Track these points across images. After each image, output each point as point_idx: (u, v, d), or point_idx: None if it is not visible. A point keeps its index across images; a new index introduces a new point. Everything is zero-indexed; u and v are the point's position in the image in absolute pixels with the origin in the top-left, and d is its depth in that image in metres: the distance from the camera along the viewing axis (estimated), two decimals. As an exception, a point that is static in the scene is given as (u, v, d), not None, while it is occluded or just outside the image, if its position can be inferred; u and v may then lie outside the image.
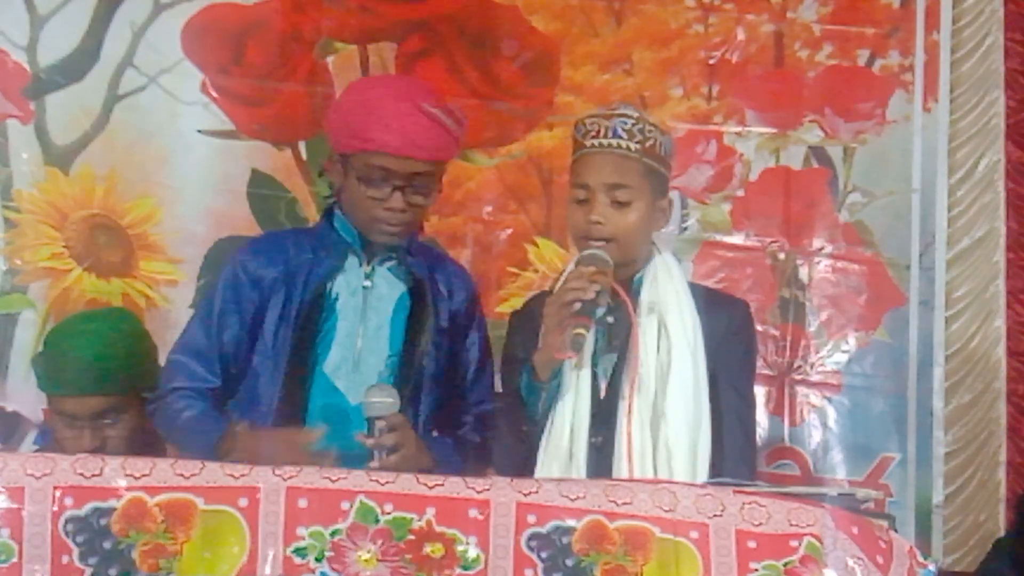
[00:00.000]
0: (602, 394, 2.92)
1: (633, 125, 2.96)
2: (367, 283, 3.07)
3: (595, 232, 2.92)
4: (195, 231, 4.23)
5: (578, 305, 2.80)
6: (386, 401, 2.85)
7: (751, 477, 2.89)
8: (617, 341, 2.94)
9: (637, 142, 2.94)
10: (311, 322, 3.03)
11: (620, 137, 2.95)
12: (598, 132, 2.97)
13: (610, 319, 2.95)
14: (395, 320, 3.08)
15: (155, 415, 3.12)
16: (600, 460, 2.85)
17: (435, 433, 3.10)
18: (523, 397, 2.90)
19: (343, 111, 3.08)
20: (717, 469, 2.83)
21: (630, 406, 2.83)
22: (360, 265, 3.08)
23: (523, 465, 2.88)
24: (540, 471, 2.85)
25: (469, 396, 3.17)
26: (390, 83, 3.23)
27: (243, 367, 3.07)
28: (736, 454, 2.92)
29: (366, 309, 3.06)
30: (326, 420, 2.97)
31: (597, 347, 2.94)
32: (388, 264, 3.10)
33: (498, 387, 3.17)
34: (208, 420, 3.00)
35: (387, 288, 3.09)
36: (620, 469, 2.81)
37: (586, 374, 2.91)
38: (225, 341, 3.07)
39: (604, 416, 2.89)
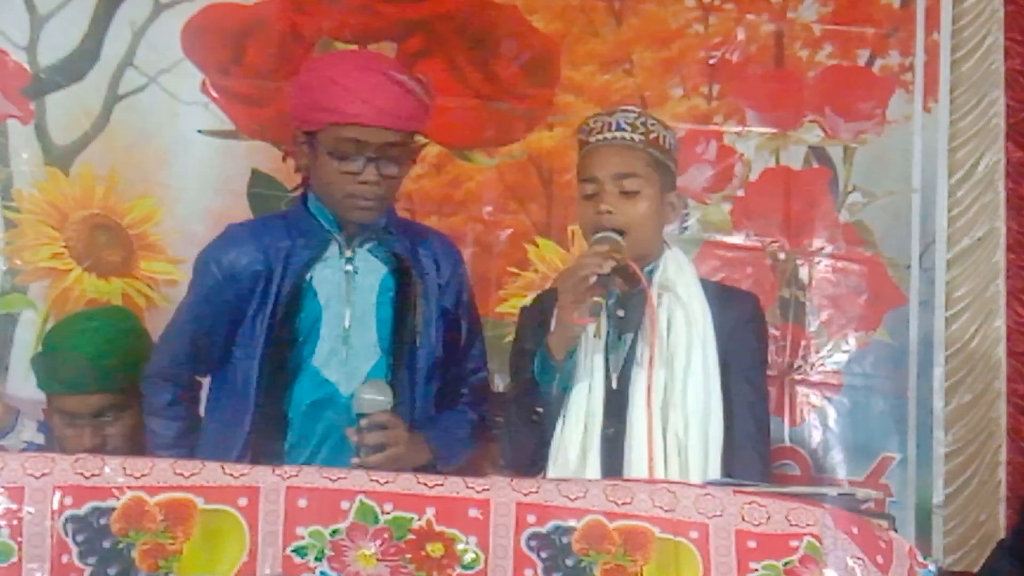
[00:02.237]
0: (614, 385, 2.93)
1: (636, 118, 3.01)
2: (348, 267, 3.03)
3: (606, 222, 2.94)
4: (195, 231, 4.22)
5: (594, 278, 2.82)
6: (375, 399, 2.83)
7: (764, 467, 2.94)
8: (628, 333, 2.96)
9: (641, 134, 2.99)
10: (291, 314, 2.98)
11: (624, 130, 2.99)
12: (602, 128, 3.01)
13: (620, 312, 2.97)
14: (381, 303, 3.04)
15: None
16: (612, 451, 2.86)
17: (434, 412, 3.07)
18: (536, 379, 2.91)
19: (307, 87, 3.02)
20: (730, 459, 2.86)
21: (647, 394, 2.84)
22: (340, 251, 3.03)
23: (536, 453, 2.89)
24: (553, 464, 2.86)
25: (465, 365, 3.15)
26: (353, 56, 3.21)
27: (224, 357, 3.03)
28: (749, 445, 2.94)
29: (351, 295, 3.01)
30: (319, 414, 2.96)
31: (608, 339, 2.95)
32: (368, 245, 3.05)
33: (508, 381, 3.16)
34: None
35: (369, 271, 3.04)
36: (633, 458, 2.81)
37: (600, 366, 2.92)
38: (200, 341, 3.05)
39: (616, 407, 2.90)
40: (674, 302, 2.94)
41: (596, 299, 2.80)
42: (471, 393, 3.15)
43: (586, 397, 2.90)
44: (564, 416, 2.90)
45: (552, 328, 2.90)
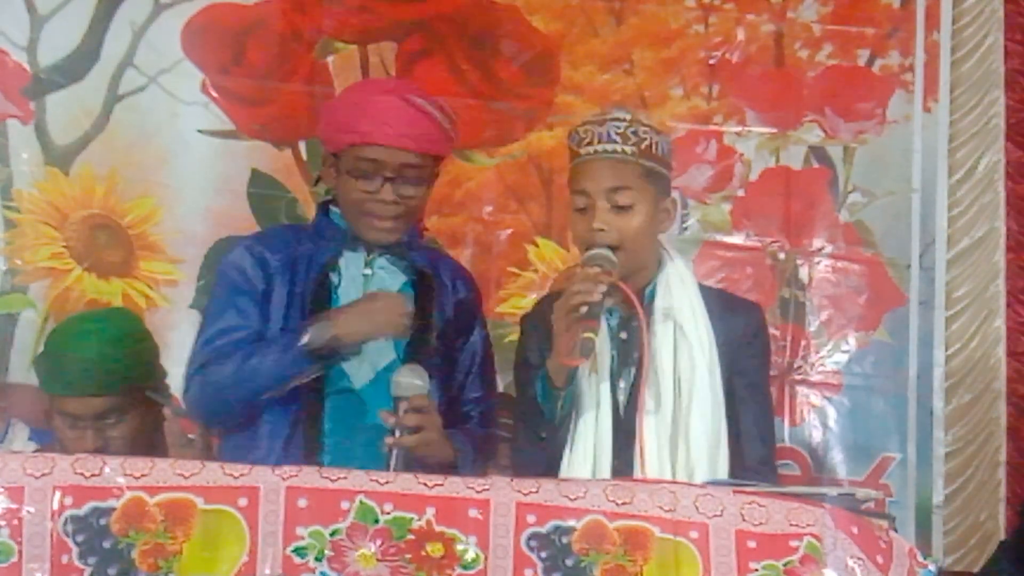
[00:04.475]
0: (622, 412, 2.87)
1: (627, 128, 2.90)
2: (367, 271, 3.06)
3: (599, 239, 2.85)
4: (195, 231, 4.23)
5: (585, 308, 2.74)
6: (413, 383, 2.85)
7: (772, 481, 2.86)
8: (633, 357, 2.89)
9: (632, 144, 2.89)
10: (317, 308, 3.01)
11: (614, 141, 2.89)
12: (592, 139, 2.91)
13: (623, 335, 2.91)
14: None
15: (195, 390, 3.01)
16: None
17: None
18: (540, 403, 2.86)
19: (334, 110, 3.12)
20: (737, 476, 2.79)
21: (648, 421, 2.81)
22: (361, 256, 3.07)
23: (545, 473, 2.84)
24: None
25: (468, 392, 3.16)
26: (380, 82, 3.36)
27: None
28: (756, 460, 2.89)
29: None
30: (339, 405, 2.98)
31: (613, 366, 2.90)
32: (388, 256, 3.08)
33: (512, 391, 3.15)
34: (274, 341, 2.98)
35: (388, 277, 3.07)
36: None
37: (606, 393, 2.87)
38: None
39: (624, 436, 2.84)
40: (680, 324, 2.88)
41: (588, 335, 2.71)
42: (479, 416, 3.17)
43: (593, 428, 2.84)
44: (572, 444, 2.85)
45: (552, 349, 2.83)
